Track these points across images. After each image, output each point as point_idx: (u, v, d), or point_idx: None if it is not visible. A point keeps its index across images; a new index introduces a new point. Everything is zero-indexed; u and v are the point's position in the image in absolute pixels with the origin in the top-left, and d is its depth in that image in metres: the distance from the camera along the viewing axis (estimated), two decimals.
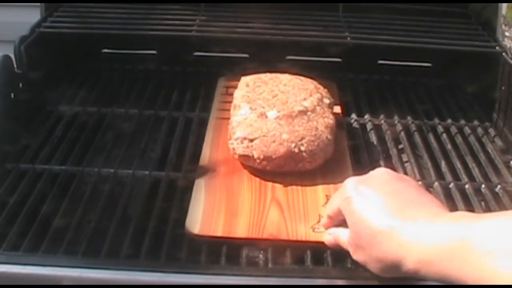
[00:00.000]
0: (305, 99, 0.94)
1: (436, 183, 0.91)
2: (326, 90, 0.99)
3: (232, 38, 1.14)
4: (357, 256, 0.67)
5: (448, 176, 0.94)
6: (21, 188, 0.86)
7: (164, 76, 1.22)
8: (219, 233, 0.78)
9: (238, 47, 1.21)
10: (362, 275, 0.68)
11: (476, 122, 1.10)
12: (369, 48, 1.14)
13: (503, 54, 1.08)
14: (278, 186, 0.87)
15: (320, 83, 1.00)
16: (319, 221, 0.80)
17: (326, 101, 0.96)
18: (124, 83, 1.19)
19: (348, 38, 1.11)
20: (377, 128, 1.06)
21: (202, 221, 0.79)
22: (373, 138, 1.03)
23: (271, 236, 0.78)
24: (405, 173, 0.95)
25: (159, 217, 0.81)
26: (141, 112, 1.08)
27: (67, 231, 0.78)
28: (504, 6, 1.34)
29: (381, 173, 0.71)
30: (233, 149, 0.89)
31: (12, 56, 1.00)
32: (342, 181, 0.87)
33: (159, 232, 0.79)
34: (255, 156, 0.87)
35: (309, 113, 0.91)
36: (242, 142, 0.88)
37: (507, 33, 2.71)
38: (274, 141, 0.87)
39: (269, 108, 0.92)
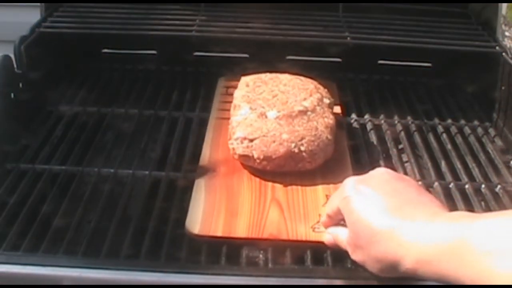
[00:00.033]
0: (305, 99, 0.94)
1: (436, 183, 0.91)
2: (326, 90, 0.99)
3: (232, 38, 1.14)
4: (355, 256, 0.67)
5: (448, 176, 0.94)
6: (21, 188, 0.86)
7: (164, 76, 1.22)
8: (219, 233, 0.78)
9: (238, 47, 1.21)
10: (362, 275, 0.68)
11: (476, 122, 1.10)
12: (369, 48, 1.14)
13: (503, 54, 1.08)
14: (278, 186, 0.87)
15: (320, 83, 1.00)
16: (319, 221, 0.80)
17: (326, 101, 0.96)
18: (124, 83, 1.19)
19: (348, 38, 1.11)
20: (377, 128, 1.06)
21: (202, 221, 0.79)
22: (373, 138, 1.03)
23: (271, 236, 0.78)
24: (405, 173, 0.95)
25: (159, 217, 0.81)
26: (141, 112, 1.08)
27: (67, 231, 0.78)
28: (504, 6, 1.34)
29: (380, 173, 0.70)
30: (233, 149, 0.89)
31: (12, 56, 1.00)
32: (342, 181, 0.87)
33: (159, 232, 0.79)
34: (255, 156, 0.87)
35: (309, 113, 0.91)
36: (242, 142, 0.88)
37: (507, 33, 2.71)
38: (274, 141, 0.87)
39: (269, 108, 0.92)
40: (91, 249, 0.75)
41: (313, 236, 0.78)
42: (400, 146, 1.03)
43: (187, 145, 0.98)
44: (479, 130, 1.08)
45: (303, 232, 0.78)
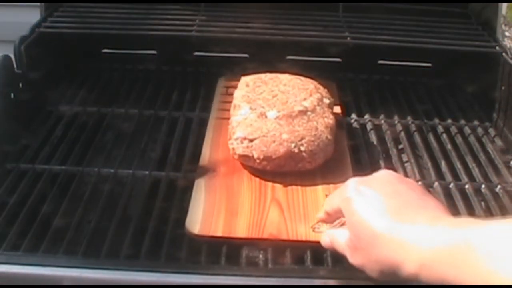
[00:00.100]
0: (305, 99, 0.94)
1: (436, 183, 0.91)
2: (326, 90, 0.99)
3: (232, 38, 1.14)
4: (354, 259, 0.66)
5: (448, 176, 0.94)
6: (21, 188, 0.86)
7: (164, 76, 1.22)
8: (219, 233, 0.78)
9: (238, 47, 1.21)
10: (362, 276, 0.67)
11: (476, 122, 1.10)
12: (369, 48, 1.14)
13: (503, 54, 1.08)
14: (278, 186, 0.87)
15: (320, 83, 1.00)
16: (319, 221, 0.80)
17: (326, 101, 0.96)
18: (124, 83, 1.19)
19: (348, 38, 1.11)
20: (377, 128, 1.06)
21: (202, 221, 0.79)
22: (373, 138, 1.03)
23: (271, 236, 0.78)
24: (405, 173, 0.95)
25: (159, 217, 0.81)
26: (141, 112, 1.08)
27: (67, 231, 0.78)
28: (504, 6, 1.33)
29: (383, 175, 0.69)
30: (233, 149, 0.89)
31: (12, 56, 1.00)
32: (342, 181, 0.87)
33: (159, 232, 0.79)
34: (255, 156, 0.87)
35: (309, 113, 0.91)
36: (242, 142, 0.88)
37: (507, 33, 2.71)
38: (274, 141, 0.87)
39: (269, 108, 0.92)
40: (91, 249, 0.75)
41: (313, 236, 0.78)
42: (400, 146, 1.03)
43: (187, 145, 0.98)
44: (479, 130, 1.08)
45: (303, 232, 0.78)
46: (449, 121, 1.10)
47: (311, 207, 0.83)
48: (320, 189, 0.87)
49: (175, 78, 1.21)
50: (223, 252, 0.75)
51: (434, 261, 0.57)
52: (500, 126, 1.08)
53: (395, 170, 0.95)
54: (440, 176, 0.94)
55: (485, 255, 0.53)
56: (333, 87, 1.10)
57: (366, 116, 1.09)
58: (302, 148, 0.87)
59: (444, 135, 1.05)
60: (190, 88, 1.16)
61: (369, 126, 1.07)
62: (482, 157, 0.99)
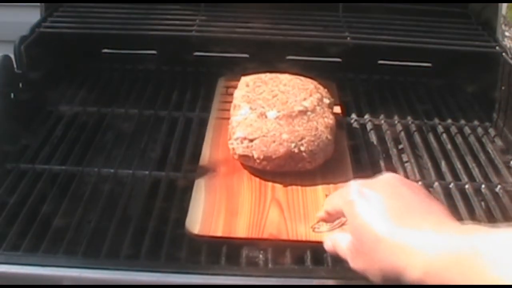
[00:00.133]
0: (305, 99, 0.94)
1: (436, 183, 0.91)
2: (326, 90, 0.99)
3: (232, 38, 1.14)
4: (356, 263, 0.65)
5: (448, 176, 0.94)
6: (21, 188, 0.86)
7: (164, 76, 1.22)
8: (219, 233, 0.78)
9: (238, 47, 1.21)
10: (362, 275, 0.67)
11: (476, 122, 1.10)
12: (369, 48, 1.14)
13: (503, 54, 1.08)
14: (278, 186, 0.87)
15: (320, 83, 1.00)
16: (319, 221, 0.80)
17: (326, 101, 0.96)
18: (124, 83, 1.19)
19: (348, 38, 1.11)
20: (377, 128, 1.06)
21: (202, 221, 0.79)
22: (373, 138, 1.03)
23: (271, 236, 0.78)
24: (405, 173, 0.95)
25: (159, 217, 0.81)
26: (141, 112, 1.08)
27: (67, 231, 0.78)
28: (504, 6, 1.34)
29: (387, 178, 0.68)
30: (233, 149, 0.89)
31: (12, 56, 1.00)
32: (342, 181, 0.87)
33: (159, 232, 0.79)
34: (255, 156, 0.87)
35: (309, 113, 0.91)
36: (242, 142, 0.88)
37: (507, 33, 2.71)
38: (274, 141, 0.87)
39: (269, 108, 0.92)
40: (91, 249, 0.75)
41: (313, 236, 0.78)
42: (400, 146, 1.03)
43: (187, 145, 0.98)
44: (479, 130, 1.08)
45: (303, 232, 0.78)
46: (449, 121, 1.10)
47: (311, 207, 0.83)
48: (320, 189, 0.87)
49: (175, 78, 1.21)
50: (223, 252, 0.75)
51: (439, 268, 0.56)
52: (500, 126, 1.08)
53: (395, 170, 0.95)
54: (440, 176, 0.94)
55: (492, 263, 0.52)
56: (333, 87, 1.10)
57: (366, 116, 1.09)
58: (302, 148, 0.87)
59: (444, 135, 1.05)
60: (190, 88, 1.16)
61: (369, 126, 1.07)
62: (482, 157, 0.99)
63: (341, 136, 0.97)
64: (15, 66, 0.99)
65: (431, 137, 1.04)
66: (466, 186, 0.91)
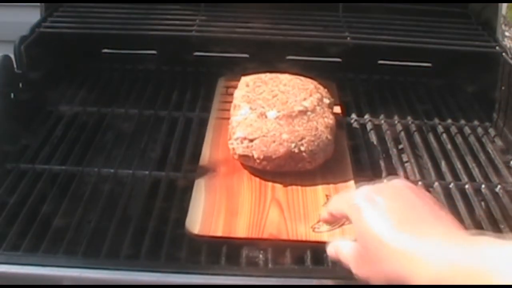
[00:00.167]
0: (305, 99, 0.94)
1: (436, 183, 0.91)
2: (326, 90, 0.99)
3: (232, 38, 1.14)
4: (360, 270, 0.63)
5: (448, 176, 0.94)
6: (21, 188, 0.86)
7: (164, 76, 1.22)
8: (219, 233, 0.78)
9: (238, 47, 1.21)
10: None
11: (476, 122, 1.10)
12: (369, 48, 1.14)
13: (503, 54, 1.08)
14: (278, 186, 0.87)
15: (320, 83, 1.00)
16: (319, 221, 0.80)
17: (326, 101, 0.96)
18: (124, 83, 1.19)
19: (348, 38, 1.11)
20: (377, 128, 1.06)
21: (202, 221, 0.79)
22: (373, 138, 1.03)
23: (271, 236, 0.78)
24: (405, 173, 0.95)
25: (159, 217, 0.81)
26: (141, 112, 1.08)
27: (67, 231, 0.78)
28: (504, 6, 1.34)
29: (396, 184, 0.65)
30: (233, 149, 0.89)
31: (12, 56, 1.00)
32: (342, 181, 0.87)
33: (159, 232, 0.79)
34: (255, 156, 0.87)
35: (309, 113, 0.91)
36: (242, 142, 0.88)
37: (507, 33, 2.71)
38: (274, 141, 0.87)
39: (269, 108, 0.92)
40: (91, 249, 0.75)
41: (313, 236, 0.78)
42: (400, 146, 1.03)
43: (187, 145, 0.98)
44: (479, 130, 1.08)
45: (303, 232, 0.78)
46: (449, 121, 1.10)
47: (311, 207, 0.83)
48: (320, 189, 0.87)
49: (175, 78, 1.21)
50: (223, 252, 0.75)
51: (446, 278, 0.54)
52: (500, 126, 1.08)
53: (395, 170, 0.95)
54: (440, 176, 0.94)
55: (501, 276, 0.51)
56: (333, 87, 1.10)
57: (366, 116, 1.09)
58: (302, 148, 0.87)
59: (444, 135, 1.05)
60: (190, 88, 1.16)
61: (369, 126, 1.07)
62: (482, 157, 0.99)
63: (341, 136, 0.97)
64: (15, 66, 0.99)
65: (431, 137, 1.04)
66: (466, 186, 0.91)
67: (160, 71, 1.25)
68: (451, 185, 0.91)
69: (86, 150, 0.96)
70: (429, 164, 0.96)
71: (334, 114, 0.96)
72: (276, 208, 0.83)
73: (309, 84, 0.98)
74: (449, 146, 1.02)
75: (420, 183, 0.91)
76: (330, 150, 0.90)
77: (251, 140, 0.88)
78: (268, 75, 1.01)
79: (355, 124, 1.07)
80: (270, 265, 0.74)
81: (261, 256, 0.76)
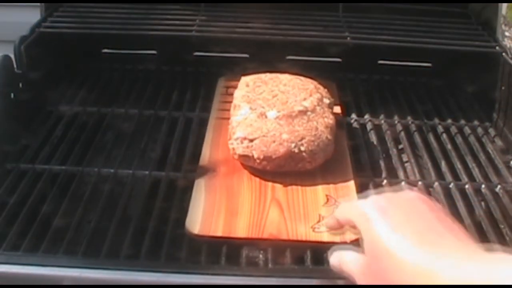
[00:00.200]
0: (305, 99, 0.94)
1: (436, 183, 0.91)
2: (326, 90, 0.99)
3: (232, 38, 1.14)
4: (366, 282, 0.60)
5: (448, 176, 0.94)
6: (21, 188, 0.86)
7: (164, 76, 1.22)
8: (219, 233, 0.78)
9: (238, 47, 1.21)
10: None
11: (476, 122, 1.10)
12: (369, 48, 1.14)
13: (503, 54, 1.08)
14: (278, 186, 0.87)
15: (320, 83, 1.00)
16: (319, 221, 0.80)
17: (326, 101, 0.96)
18: (124, 83, 1.19)
19: (348, 38, 1.11)
20: (377, 128, 1.06)
21: (202, 221, 0.79)
22: (373, 138, 1.03)
23: (271, 236, 0.78)
24: (405, 173, 0.95)
25: (159, 217, 0.81)
26: (141, 112, 1.08)
27: (67, 231, 0.78)
28: (504, 6, 1.33)
29: (411, 198, 0.62)
30: (233, 149, 0.89)
31: (12, 56, 1.00)
32: (342, 181, 0.87)
33: (159, 232, 0.79)
34: (255, 156, 0.87)
35: (309, 113, 0.91)
36: (242, 142, 0.88)
37: (507, 33, 2.71)
38: (274, 141, 0.87)
39: (269, 108, 0.92)
40: (91, 249, 0.75)
41: (313, 236, 0.78)
42: (400, 146, 1.03)
43: (187, 145, 0.98)
44: (479, 130, 1.08)
45: (303, 232, 0.79)
46: (449, 121, 1.10)
47: (311, 207, 0.83)
48: (320, 189, 0.87)
49: (175, 78, 1.21)
50: (223, 252, 0.75)
51: None
52: (500, 126, 1.08)
53: (395, 170, 0.95)
54: (440, 176, 0.94)
55: None
56: (333, 87, 1.10)
57: (366, 116, 1.09)
58: (302, 148, 0.87)
59: (444, 135, 1.05)
60: (190, 88, 1.16)
61: (369, 126, 1.07)
62: (482, 157, 0.99)
63: (341, 136, 0.97)
64: (15, 66, 0.99)
65: (431, 137, 1.04)
66: (466, 186, 0.91)
67: (160, 71, 1.25)
68: (451, 185, 0.91)
69: (86, 150, 0.96)
70: (429, 164, 0.96)
71: (334, 114, 0.96)
72: (276, 208, 0.83)
73: (309, 84, 0.98)
74: (449, 146, 1.02)
75: (420, 183, 0.91)
76: (330, 150, 0.90)
77: (251, 140, 0.88)
78: (268, 75, 1.01)
79: (355, 124, 1.07)
80: (270, 265, 0.74)
81: (261, 256, 0.76)
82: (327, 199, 0.84)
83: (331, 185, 0.87)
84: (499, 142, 1.05)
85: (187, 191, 0.86)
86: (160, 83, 1.18)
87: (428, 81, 1.24)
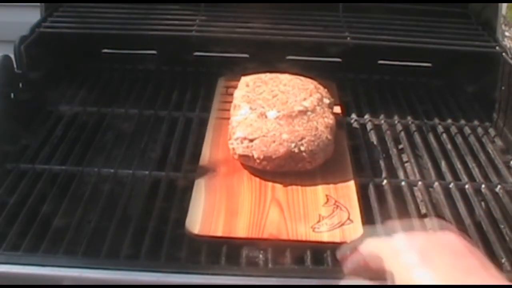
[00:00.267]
0: (305, 99, 0.94)
1: (436, 183, 0.91)
2: (326, 90, 0.99)
3: (232, 38, 1.14)
4: None
5: (448, 176, 0.94)
6: (21, 188, 0.86)
7: (164, 76, 1.22)
8: (219, 233, 0.78)
9: (238, 47, 1.21)
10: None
11: (476, 122, 1.10)
12: (369, 48, 1.14)
13: (503, 54, 1.08)
14: (278, 186, 0.87)
15: (320, 83, 1.00)
16: (319, 221, 0.80)
17: (326, 101, 0.96)
18: (124, 83, 1.19)
19: (348, 38, 1.11)
20: (377, 128, 1.06)
21: (202, 221, 0.79)
22: (373, 138, 1.03)
23: (271, 236, 0.78)
24: (405, 173, 0.95)
25: (159, 217, 0.81)
26: (141, 112, 1.08)
27: (67, 231, 0.78)
28: (504, 6, 1.33)
29: (451, 240, 0.56)
30: (233, 149, 0.89)
31: (12, 56, 1.00)
32: (342, 181, 0.87)
33: (159, 232, 0.79)
34: (255, 156, 0.87)
35: (309, 113, 0.91)
36: (242, 142, 0.88)
37: (507, 33, 2.70)
38: (274, 141, 0.87)
39: (269, 108, 0.92)
40: (91, 249, 0.75)
41: (313, 236, 0.78)
42: (400, 146, 1.03)
43: (187, 145, 0.98)
44: (479, 130, 1.08)
45: (303, 232, 0.78)
46: (449, 121, 1.10)
47: (311, 207, 0.83)
48: (320, 189, 0.87)
49: (175, 78, 1.21)
50: (223, 252, 0.75)
51: None
52: (500, 126, 1.08)
53: (395, 170, 0.95)
54: (440, 176, 0.94)
55: None
56: (333, 87, 1.10)
57: (366, 116, 1.09)
58: (302, 148, 0.87)
59: (444, 135, 1.05)
60: (190, 88, 1.16)
61: (369, 126, 1.07)
62: (482, 157, 0.99)
63: (341, 136, 0.97)
64: (15, 66, 0.99)
65: (431, 137, 1.04)
66: (466, 186, 0.91)
67: (160, 71, 1.25)
68: (451, 185, 0.91)
69: (86, 150, 0.96)
70: (429, 164, 0.96)
71: (334, 114, 0.96)
72: (276, 208, 0.83)
73: (309, 84, 0.98)
74: (449, 146, 1.02)
75: (420, 183, 0.91)
76: (330, 150, 0.90)
77: (251, 140, 0.88)
78: (268, 75, 1.01)
79: (355, 124, 1.07)
80: (270, 265, 0.74)
81: (261, 256, 0.76)
82: (327, 199, 0.84)
83: (331, 185, 0.87)
84: (499, 142, 1.05)
85: (187, 191, 0.86)
86: (160, 83, 1.18)
87: (428, 81, 1.24)
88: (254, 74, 1.02)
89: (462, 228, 0.82)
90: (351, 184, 0.88)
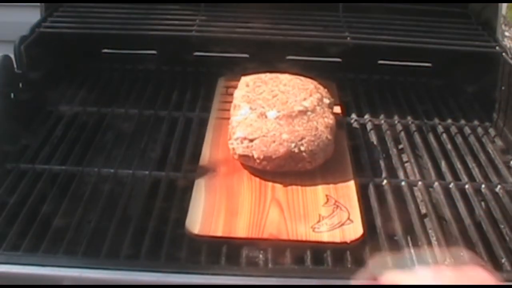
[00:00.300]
0: (305, 99, 0.94)
1: (436, 183, 0.91)
2: (326, 90, 0.99)
3: (232, 38, 1.14)
4: None
5: (448, 176, 0.94)
6: (21, 188, 0.86)
7: (164, 76, 1.22)
8: (219, 233, 0.78)
9: (238, 47, 1.21)
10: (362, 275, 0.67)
11: (476, 122, 1.10)
12: (369, 48, 1.14)
13: (503, 54, 1.08)
14: (278, 186, 0.87)
15: (320, 83, 1.00)
16: (319, 221, 0.80)
17: (326, 101, 0.96)
18: (124, 83, 1.19)
19: (348, 38, 1.11)
20: (377, 128, 1.06)
21: (202, 221, 0.79)
22: (373, 138, 1.03)
23: (271, 236, 0.78)
24: (405, 173, 0.95)
25: (159, 217, 0.81)
26: (141, 112, 1.08)
27: (67, 231, 0.78)
28: (504, 6, 1.33)
29: (480, 278, 0.55)
30: (233, 149, 0.89)
31: (12, 56, 1.00)
32: (342, 181, 0.87)
33: (159, 232, 0.79)
34: (255, 156, 0.87)
35: (309, 113, 0.91)
36: (242, 142, 0.88)
37: (507, 33, 2.70)
38: (274, 141, 0.87)
39: (269, 108, 0.92)
40: (91, 249, 0.75)
41: (313, 236, 0.78)
42: (400, 146, 1.03)
43: (187, 145, 0.98)
44: (479, 130, 1.08)
45: (303, 232, 0.78)
46: (449, 121, 1.10)
47: (311, 207, 0.83)
48: (320, 189, 0.87)
49: (175, 78, 1.21)
50: (223, 252, 0.75)
51: None
52: (500, 126, 1.08)
53: (395, 170, 0.95)
54: (440, 176, 0.94)
55: None
56: (333, 87, 1.10)
57: (366, 116, 1.09)
58: (302, 148, 0.87)
59: (444, 135, 1.05)
60: (190, 88, 1.16)
61: (369, 126, 1.07)
62: (482, 157, 0.99)
63: (341, 136, 0.97)
64: (15, 66, 0.99)
65: (431, 137, 1.04)
66: (466, 186, 0.91)
67: (160, 71, 1.25)
68: (451, 185, 0.91)
69: (86, 150, 0.96)
70: (429, 164, 0.96)
71: (334, 114, 0.96)
72: (276, 208, 0.83)
73: (309, 84, 0.98)
74: (449, 146, 1.02)
75: (420, 183, 0.91)
76: (330, 150, 0.90)
77: (251, 140, 0.88)
78: (268, 75, 1.01)
79: (355, 124, 1.07)
80: (270, 265, 0.74)
81: (261, 256, 0.76)
82: (327, 199, 0.84)
83: (331, 185, 0.87)
84: (499, 142, 1.05)
85: (187, 191, 0.86)
86: (160, 83, 1.18)
87: (428, 81, 1.24)
88: (254, 74, 1.02)
89: (462, 228, 0.82)
90: (351, 184, 0.88)
